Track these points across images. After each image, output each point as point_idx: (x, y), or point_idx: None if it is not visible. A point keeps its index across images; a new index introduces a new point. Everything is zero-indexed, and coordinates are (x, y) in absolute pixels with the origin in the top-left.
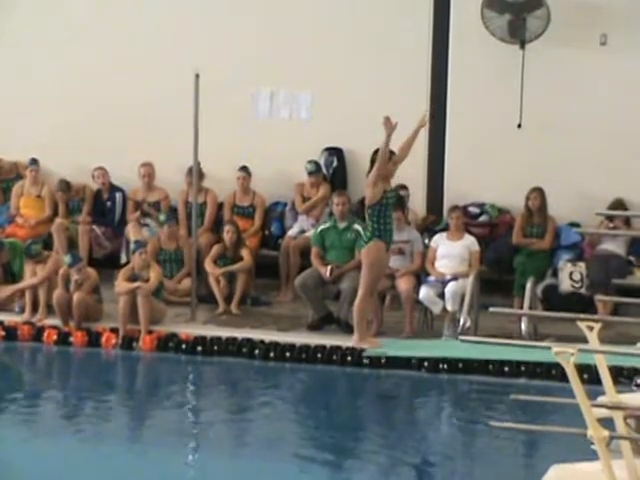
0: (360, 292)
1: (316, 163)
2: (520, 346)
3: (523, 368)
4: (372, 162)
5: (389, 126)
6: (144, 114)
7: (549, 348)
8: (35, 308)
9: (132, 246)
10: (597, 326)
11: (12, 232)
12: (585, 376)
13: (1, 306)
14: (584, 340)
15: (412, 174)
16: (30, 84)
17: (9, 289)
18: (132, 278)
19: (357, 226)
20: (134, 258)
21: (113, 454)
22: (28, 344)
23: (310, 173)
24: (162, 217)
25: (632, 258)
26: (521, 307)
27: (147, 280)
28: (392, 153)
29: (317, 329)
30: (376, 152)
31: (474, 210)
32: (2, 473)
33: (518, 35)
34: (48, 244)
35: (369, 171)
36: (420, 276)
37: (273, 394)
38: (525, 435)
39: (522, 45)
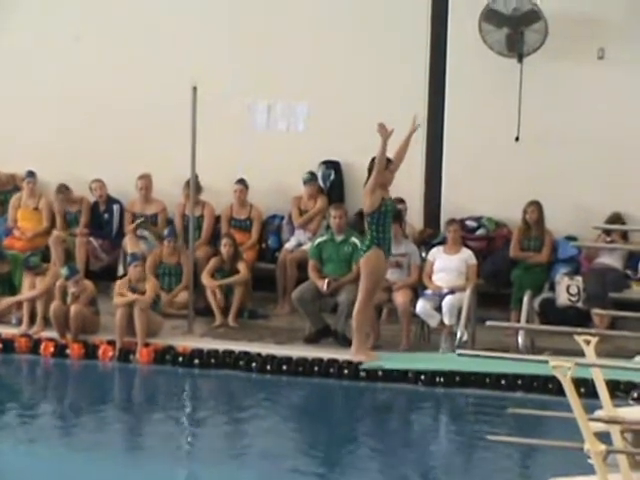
0: (358, 301)
1: (312, 173)
2: (517, 360)
3: (520, 382)
4: (369, 171)
5: (384, 133)
6: (141, 126)
7: (546, 362)
8: (32, 320)
9: (128, 259)
10: (594, 340)
11: (9, 244)
12: (582, 390)
13: None
14: (581, 354)
15: (409, 187)
16: (27, 96)
17: (7, 301)
18: (131, 290)
19: (354, 239)
20: (130, 271)
21: (109, 467)
22: (25, 356)
23: (305, 182)
24: (165, 232)
25: (629, 272)
26: (518, 321)
27: (143, 293)
28: (389, 161)
29: (314, 342)
30: (373, 160)
31: (471, 224)
32: None
33: (516, 49)
34: (46, 256)
35: (367, 180)
36: (417, 289)
37: (270, 407)
38: (522, 449)
39: (520, 59)
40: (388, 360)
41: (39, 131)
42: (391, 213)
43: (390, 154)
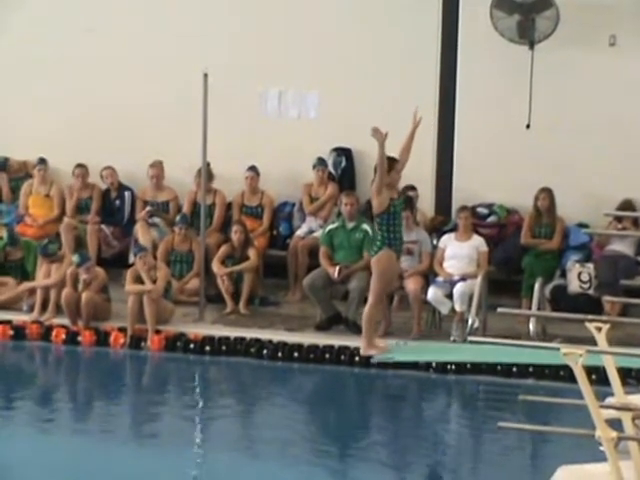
0: (370, 300)
1: (321, 158)
2: (528, 347)
3: (531, 369)
4: (375, 170)
5: (380, 137)
6: (153, 113)
7: (557, 349)
8: (44, 307)
9: (133, 249)
10: (605, 327)
11: (21, 231)
12: (593, 377)
13: (10, 305)
14: (592, 341)
15: (420, 175)
16: (39, 83)
17: (24, 287)
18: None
19: (365, 226)
20: (136, 261)
21: (120, 453)
22: (36, 343)
23: (314, 167)
24: (178, 217)
25: None
26: (529, 308)
27: (154, 281)
28: (395, 161)
29: (325, 329)
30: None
31: (483, 211)
32: (11, 471)
33: (527, 35)
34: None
35: (373, 179)
36: (428, 276)
37: (281, 394)
38: (533, 436)
39: (531, 45)
40: (399, 352)
41: (50, 119)
42: (400, 213)
43: (395, 152)
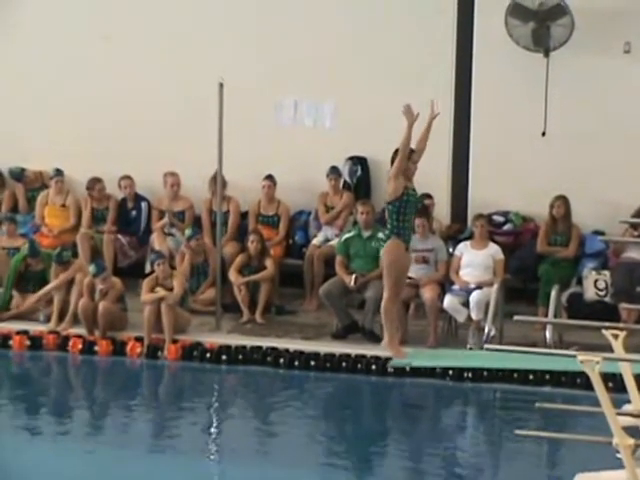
0: (385, 294)
1: (334, 167)
2: (545, 354)
3: (548, 377)
4: (392, 162)
5: (410, 115)
6: (168, 123)
7: (574, 356)
8: (61, 317)
9: (151, 257)
10: (622, 334)
11: (38, 241)
12: (610, 384)
13: (26, 315)
14: (609, 348)
15: (436, 183)
16: (55, 94)
17: (36, 296)
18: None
19: (381, 235)
20: (155, 269)
21: (138, 463)
22: (53, 353)
23: (327, 175)
24: (188, 232)
25: None
26: (546, 315)
27: (171, 289)
28: (412, 151)
29: (342, 338)
30: (396, 152)
31: (498, 218)
32: (30, 478)
33: (542, 43)
34: (74, 253)
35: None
36: (444, 285)
37: (298, 403)
38: (550, 444)
39: (546, 53)
40: (416, 357)
41: (66, 129)
42: (413, 204)
43: (412, 144)
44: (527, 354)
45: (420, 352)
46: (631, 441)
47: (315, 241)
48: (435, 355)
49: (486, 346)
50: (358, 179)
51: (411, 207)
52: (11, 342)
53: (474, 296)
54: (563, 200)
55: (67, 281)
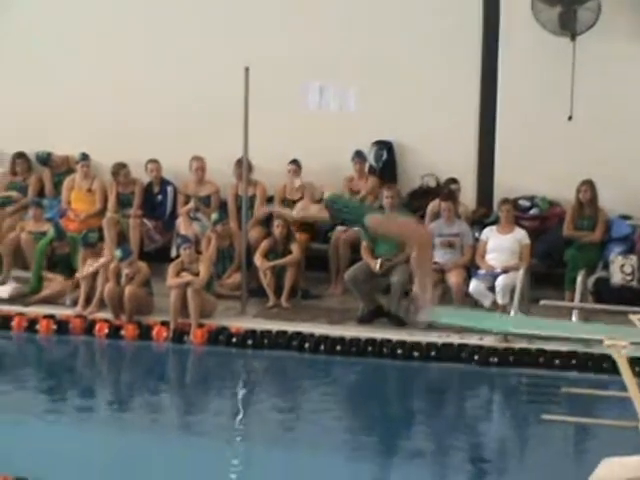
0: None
1: (359, 151)
2: (572, 339)
3: (574, 361)
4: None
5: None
6: (194, 107)
7: (601, 341)
8: (87, 301)
9: (178, 241)
10: None
11: (64, 226)
12: (637, 369)
13: (54, 299)
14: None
15: (462, 167)
16: (81, 79)
17: (63, 283)
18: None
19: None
20: (181, 253)
21: (163, 447)
22: (79, 337)
23: (352, 159)
24: (214, 216)
25: None
26: (572, 300)
27: (197, 274)
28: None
29: (367, 322)
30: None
31: (524, 203)
32: (58, 463)
33: (569, 27)
34: (100, 237)
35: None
36: (470, 269)
37: (323, 387)
38: (576, 428)
39: (573, 37)
40: (446, 315)
41: (92, 113)
42: None
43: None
44: (554, 329)
45: (450, 311)
46: None
47: (340, 226)
48: (465, 315)
49: (513, 330)
50: (384, 163)
51: None
52: (38, 326)
53: (500, 281)
54: (589, 184)
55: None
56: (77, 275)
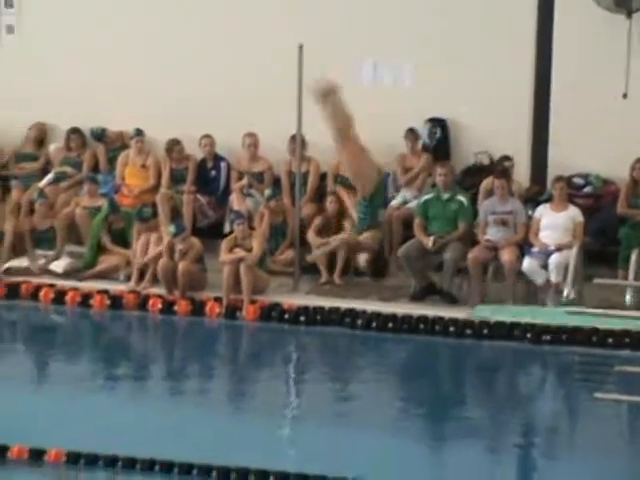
0: None
1: (411, 128)
2: (625, 317)
3: (628, 339)
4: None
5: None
6: (248, 84)
7: None
8: (141, 277)
9: (231, 216)
10: None
11: (118, 201)
12: None
13: (107, 274)
14: None
15: (516, 145)
16: (136, 56)
17: (118, 257)
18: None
19: (460, 197)
20: (234, 229)
21: (215, 422)
22: (133, 312)
23: (405, 137)
24: (267, 192)
25: None
26: (626, 278)
27: (250, 250)
28: None
29: (420, 299)
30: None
31: (578, 181)
32: (109, 437)
33: (624, 4)
34: (153, 213)
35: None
36: (523, 247)
37: (375, 364)
38: (629, 406)
39: (628, 14)
40: (498, 312)
41: (147, 89)
42: None
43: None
44: (607, 317)
45: (502, 307)
46: None
47: (393, 203)
48: (516, 310)
49: (565, 309)
50: (437, 141)
51: None
52: (92, 301)
53: (553, 259)
54: None
55: (147, 242)
56: (138, 260)
